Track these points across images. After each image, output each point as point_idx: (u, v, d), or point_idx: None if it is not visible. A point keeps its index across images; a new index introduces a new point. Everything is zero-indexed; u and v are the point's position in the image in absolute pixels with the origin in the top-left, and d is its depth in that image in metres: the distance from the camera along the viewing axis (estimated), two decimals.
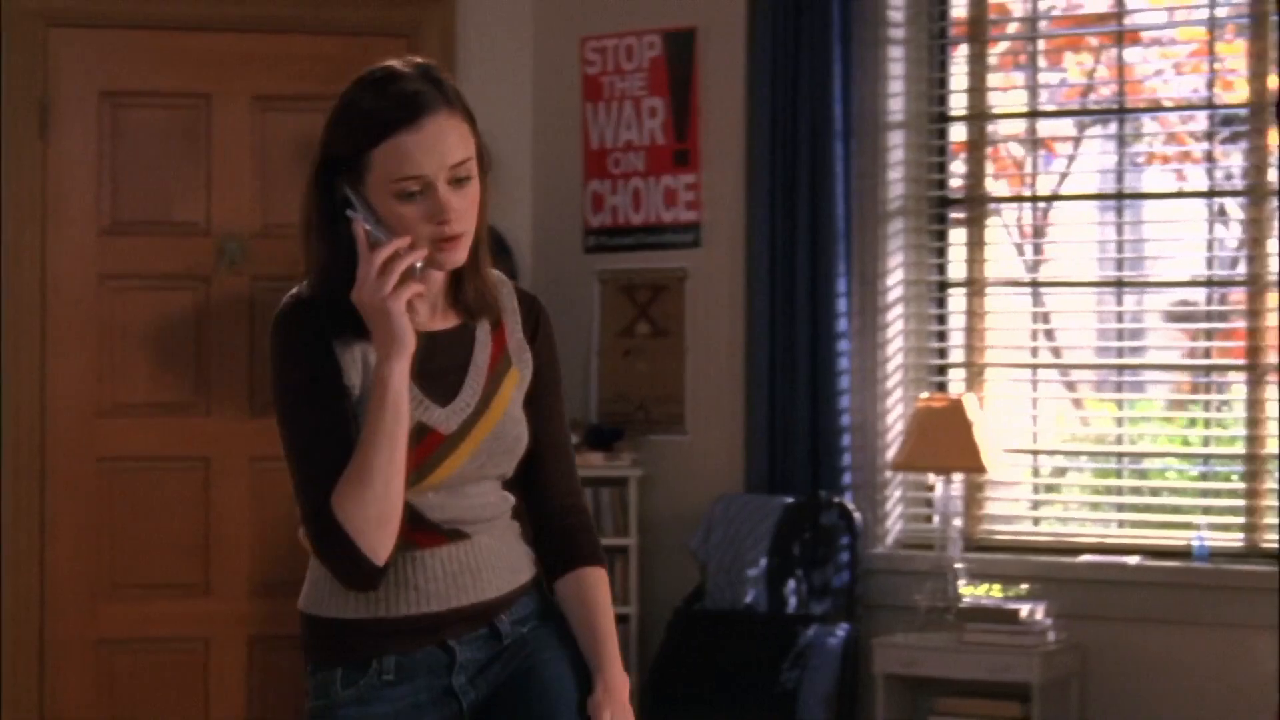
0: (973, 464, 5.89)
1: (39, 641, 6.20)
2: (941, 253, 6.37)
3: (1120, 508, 6.22)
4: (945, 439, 5.89)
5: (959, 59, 6.35)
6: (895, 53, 6.29)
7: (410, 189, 2.61)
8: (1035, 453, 6.38)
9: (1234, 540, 5.91)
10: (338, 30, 6.40)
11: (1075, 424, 6.91)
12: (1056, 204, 6.69)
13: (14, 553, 6.17)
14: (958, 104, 6.34)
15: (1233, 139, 6.12)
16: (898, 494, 6.30)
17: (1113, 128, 6.42)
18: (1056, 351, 6.83)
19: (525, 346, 2.81)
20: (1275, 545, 5.84)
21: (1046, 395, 6.53)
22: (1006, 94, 6.40)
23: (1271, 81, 5.89)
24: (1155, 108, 6.56)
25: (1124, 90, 6.29)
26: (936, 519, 6.11)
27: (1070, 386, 6.91)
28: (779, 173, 6.21)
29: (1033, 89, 6.36)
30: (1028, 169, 6.48)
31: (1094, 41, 6.71)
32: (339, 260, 2.65)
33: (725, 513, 6.16)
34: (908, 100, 6.32)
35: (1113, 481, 6.33)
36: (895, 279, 6.30)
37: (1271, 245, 5.94)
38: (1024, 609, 5.75)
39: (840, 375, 6.15)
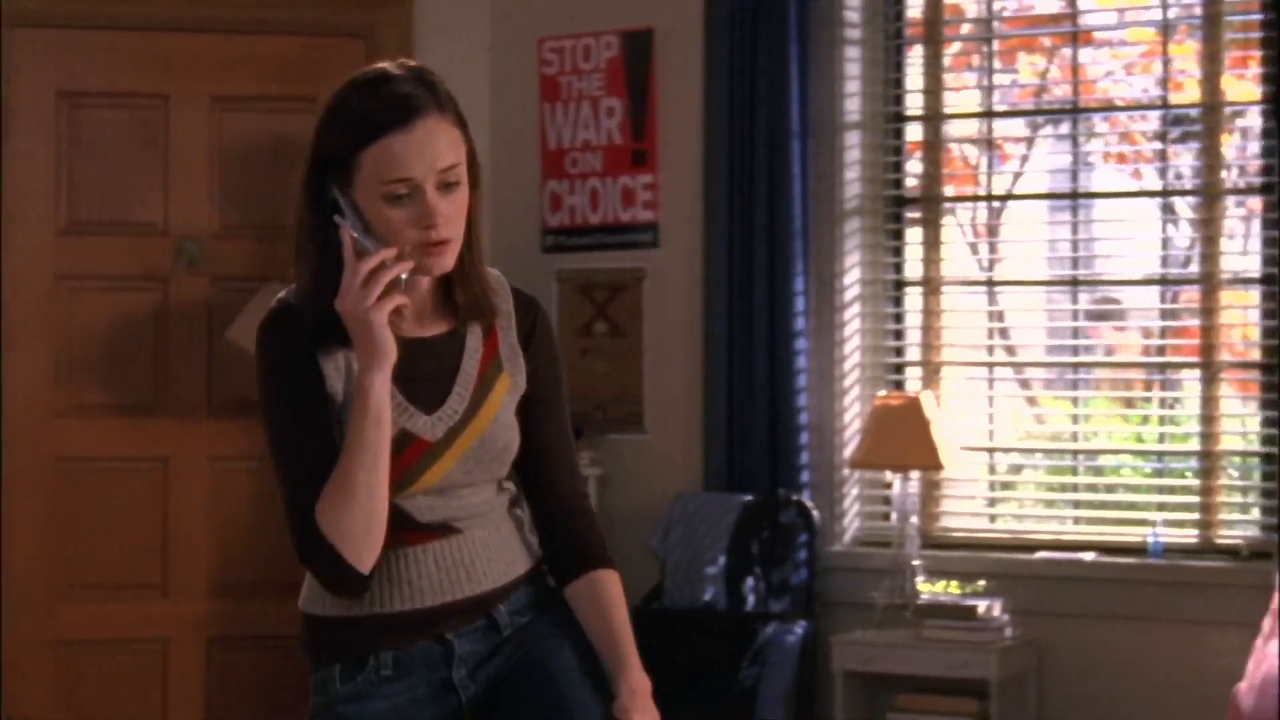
0: (930, 462, 5.92)
1: None
2: (898, 252, 6.41)
3: (1076, 504, 6.26)
4: (903, 437, 5.91)
5: (915, 59, 6.39)
6: (852, 53, 6.32)
7: (398, 191, 2.61)
8: (991, 450, 6.42)
9: (1189, 536, 5.95)
10: (296, 31, 6.41)
11: (1031, 422, 6.95)
12: (1009, 204, 6.74)
13: None
14: (914, 104, 6.38)
15: (1182, 139, 6.16)
16: (855, 492, 6.33)
17: (1065, 128, 6.47)
18: (1011, 350, 6.87)
19: (518, 351, 2.80)
20: (1229, 541, 5.90)
21: (1002, 393, 6.57)
22: (962, 94, 6.44)
23: (1224, 82, 5.94)
24: (1109, 108, 6.60)
25: (1078, 90, 6.33)
26: (894, 516, 6.14)
27: (1025, 384, 6.96)
28: (736, 173, 6.23)
29: (988, 89, 6.40)
30: (982, 169, 6.52)
31: (1047, 42, 6.75)
32: (326, 266, 2.65)
33: (684, 511, 6.18)
34: (864, 101, 6.35)
35: (1068, 479, 6.38)
36: (852, 278, 6.33)
37: (1224, 244, 6.00)
38: (981, 606, 5.78)
39: (798, 374, 6.18)
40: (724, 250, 6.23)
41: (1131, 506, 6.16)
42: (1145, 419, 6.74)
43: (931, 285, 6.32)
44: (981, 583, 5.95)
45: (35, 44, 6.24)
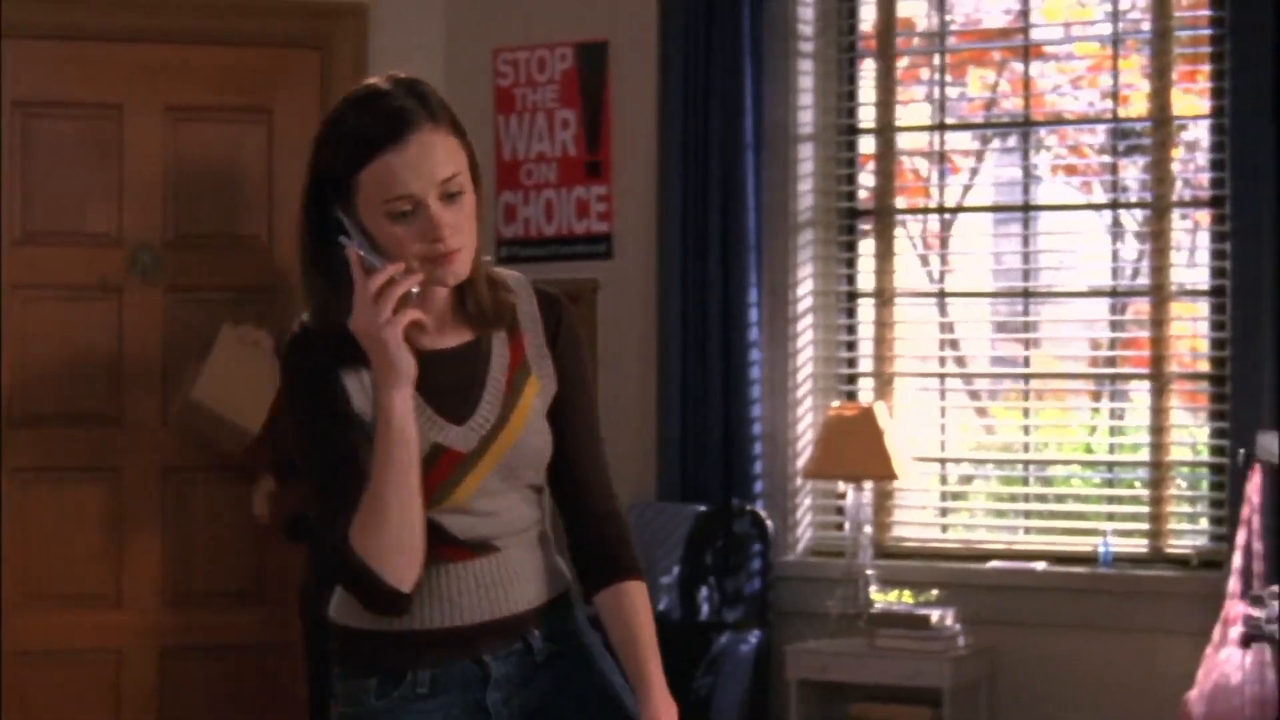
0: (883, 471, 5.95)
1: None
2: (851, 263, 6.44)
3: (1027, 514, 6.30)
4: (856, 447, 5.94)
5: (867, 72, 6.42)
6: (805, 66, 6.35)
7: (401, 208, 2.58)
8: (943, 461, 6.46)
9: (1139, 546, 6.00)
10: (250, 42, 6.41)
11: (981, 432, 7.00)
12: (958, 216, 6.78)
13: None
14: (866, 117, 6.41)
15: (1128, 152, 6.22)
16: (808, 502, 6.36)
17: (1013, 141, 6.51)
18: (962, 360, 6.91)
19: (546, 353, 2.77)
20: (1179, 550, 5.95)
21: (954, 404, 6.61)
22: (913, 107, 6.48)
23: (1174, 95, 5.99)
24: (1059, 121, 6.65)
25: (1029, 104, 6.38)
26: (847, 526, 6.17)
27: (975, 395, 7.00)
28: (690, 184, 6.26)
29: (941, 103, 6.44)
30: (933, 181, 6.57)
31: (997, 56, 6.80)
32: (336, 288, 2.63)
33: (638, 521, 6.19)
34: (817, 113, 6.39)
35: (1019, 489, 6.42)
36: (805, 289, 6.36)
37: (1173, 256, 6.06)
38: (934, 615, 5.82)
39: (751, 384, 6.21)
40: (678, 261, 6.26)
41: (1082, 516, 6.21)
42: (1094, 429, 6.80)
43: (884, 296, 6.35)
44: (934, 592, 5.99)
45: None
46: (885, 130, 6.37)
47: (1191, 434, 6.11)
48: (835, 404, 6.21)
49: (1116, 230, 6.41)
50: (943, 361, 6.55)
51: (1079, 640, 5.90)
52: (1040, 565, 6.02)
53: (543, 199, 6.58)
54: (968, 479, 6.69)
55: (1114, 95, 6.16)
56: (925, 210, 6.58)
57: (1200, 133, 6.11)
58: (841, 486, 6.20)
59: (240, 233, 6.42)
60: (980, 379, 7.03)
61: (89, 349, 6.29)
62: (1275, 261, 5.59)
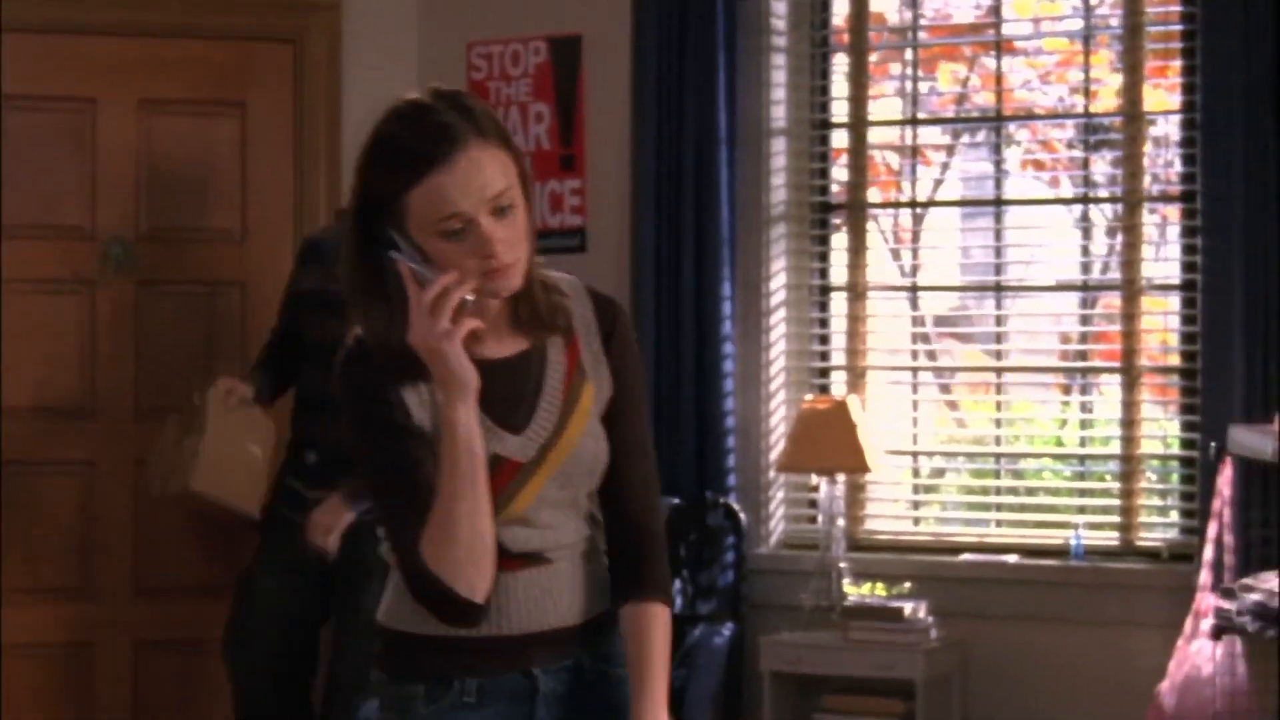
0: (856, 464, 5.97)
1: None
2: (824, 257, 6.46)
3: (998, 508, 6.33)
4: (829, 440, 5.96)
5: (840, 67, 6.44)
6: (778, 61, 6.37)
7: (453, 227, 2.54)
8: (915, 454, 6.49)
9: (1110, 539, 6.03)
10: (224, 35, 6.41)
11: (953, 426, 7.03)
12: (929, 211, 6.81)
13: None
14: (839, 111, 6.43)
15: (1096, 147, 6.25)
16: (781, 495, 6.38)
17: (983, 135, 6.54)
18: (933, 354, 6.94)
19: (601, 358, 2.74)
20: (1150, 543, 5.98)
21: (926, 398, 6.64)
22: (885, 102, 6.50)
23: (1145, 90, 6.03)
24: (1033, 116, 6.68)
25: (1000, 99, 6.40)
26: (820, 519, 6.18)
27: (947, 389, 7.03)
28: (664, 178, 6.27)
29: (914, 98, 6.47)
30: (905, 176, 6.59)
31: (968, 51, 6.83)
32: (391, 303, 2.59)
33: None
34: (790, 108, 6.41)
35: (991, 482, 6.45)
36: (778, 283, 6.38)
37: (1145, 250, 6.09)
38: (907, 607, 5.84)
39: (725, 378, 6.22)
40: (651, 255, 6.27)
41: (1053, 509, 6.24)
42: (1065, 423, 6.83)
43: (856, 290, 6.37)
44: (907, 585, 6.01)
45: None
46: (857, 125, 6.39)
47: (1162, 427, 6.14)
48: (808, 397, 6.23)
49: (1086, 225, 6.44)
50: (914, 355, 6.57)
51: (1051, 632, 5.93)
52: (1012, 558, 6.05)
53: None
54: (939, 472, 6.71)
55: (1085, 90, 6.19)
56: (897, 205, 6.60)
57: (1171, 128, 6.14)
58: (814, 479, 6.22)
59: (213, 226, 6.41)
60: (954, 372, 7.06)
61: (61, 343, 6.28)
62: (1245, 256, 5.62)
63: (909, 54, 6.46)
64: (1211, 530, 5.37)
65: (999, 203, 6.42)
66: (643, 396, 2.80)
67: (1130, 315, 6.04)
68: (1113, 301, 6.19)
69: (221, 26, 6.40)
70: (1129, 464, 6.03)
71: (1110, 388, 6.29)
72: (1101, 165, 6.27)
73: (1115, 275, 6.24)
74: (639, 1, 6.31)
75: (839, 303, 6.41)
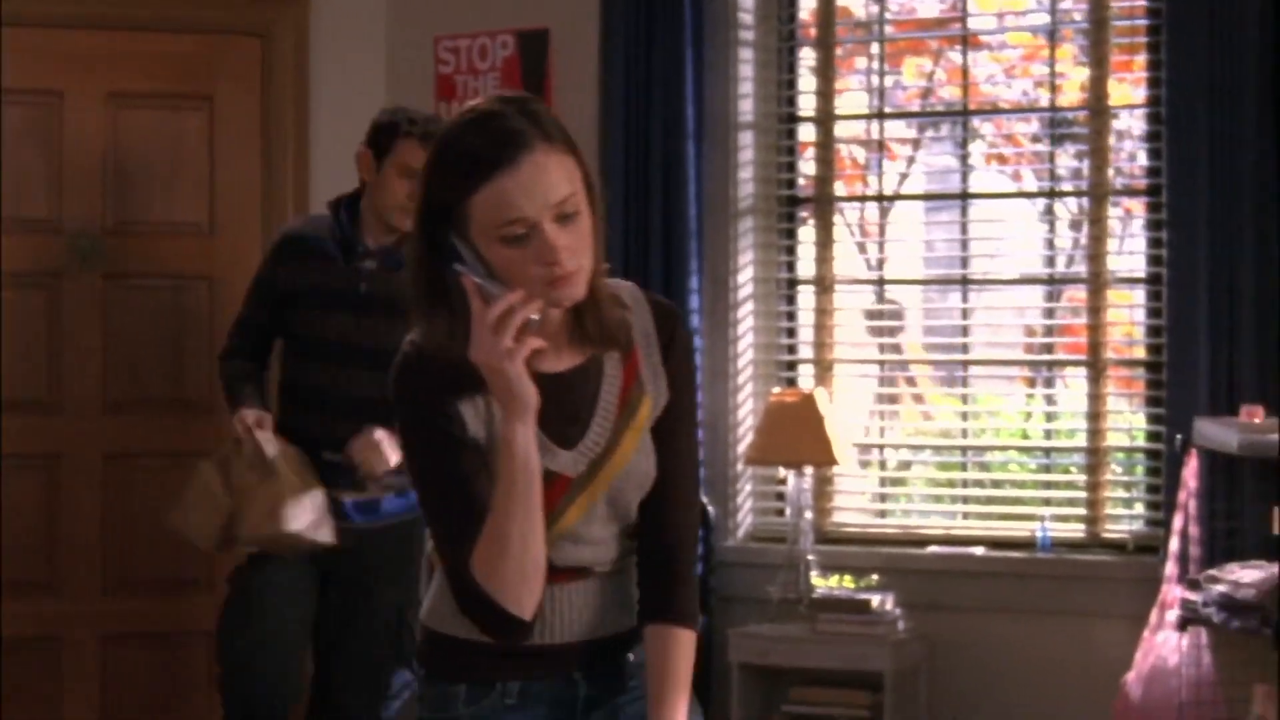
0: (824, 458, 5.99)
1: None
2: (791, 251, 6.48)
3: (965, 500, 6.36)
4: (797, 433, 5.98)
5: (806, 61, 6.46)
6: (745, 55, 6.38)
7: (516, 232, 2.50)
8: (881, 447, 6.52)
9: (1076, 531, 6.07)
10: (192, 29, 6.40)
11: (919, 418, 7.05)
12: (895, 204, 6.83)
13: None
14: (806, 105, 6.45)
15: (1061, 140, 6.28)
16: (749, 488, 6.40)
17: (948, 129, 6.57)
18: (899, 348, 6.97)
19: (660, 370, 2.69)
20: (1116, 535, 6.02)
21: (893, 390, 6.66)
22: (851, 95, 6.52)
23: (1110, 85, 6.06)
24: (999, 110, 6.71)
25: (966, 93, 6.43)
26: (788, 512, 6.20)
27: (913, 382, 7.06)
28: (632, 172, 6.28)
29: (880, 92, 6.49)
30: (871, 169, 6.61)
31: (934, 45, 6.86)
32: (453, 315, 2.56)
33: None
34: (757, 101, 6.43)
35: (957, 474, 6.48)
36: (746, 277, 6.40)
37: (1109, 244, 6.13)
38: (874, 599, 5.86)
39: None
40: (620, 249, 6.28)
41: (1019, 502, 6.27)
42: (1031, 415, 6.86)
43: (824, 284, 6.40)
44: (874, 577, 6.04)
45: None
46: (824, 119, 6.41)
47: (1128, 420, 6.18)
48: (776, 390, 6.25)
49: (1051, 219, 6.47)
50: (881, 348, 6.59)
51: (1018, 624, 5.96)
52: (979, 550, 6.08)
53: None
54: (906, 465, 6.74)
55: (1050, 85, 6.22)
56: (864, 198, 6.62)
57: (1135, 122, 6.18)
58: (782, 472, 6.24)
59: (181, 220, 6.40)
60: (920, 365, 7.08)
61: (29, 336, 6.26)
62: (1210, 249, 5.65)
63: (875, 48, 6.49)
64: (1177, 522, 5.40)
65: (964, 196, 6.45)
66: (694, 410, 2.75)
67: (1095, 308, 6.07)
68: (1078, 295, 6.22)
69: (189, 20, 6.39)
70: (1095, 456, 6.06)
71: (1076, 380, 6.32)
72: (1066, 159, 6.31)
73: (1080, 269, 6.28)
74: None
75: (806, 296, 6.43)
